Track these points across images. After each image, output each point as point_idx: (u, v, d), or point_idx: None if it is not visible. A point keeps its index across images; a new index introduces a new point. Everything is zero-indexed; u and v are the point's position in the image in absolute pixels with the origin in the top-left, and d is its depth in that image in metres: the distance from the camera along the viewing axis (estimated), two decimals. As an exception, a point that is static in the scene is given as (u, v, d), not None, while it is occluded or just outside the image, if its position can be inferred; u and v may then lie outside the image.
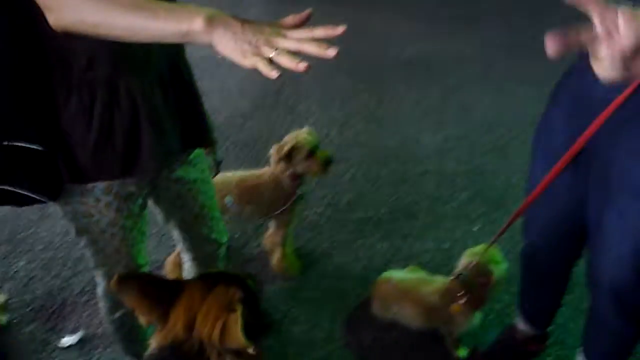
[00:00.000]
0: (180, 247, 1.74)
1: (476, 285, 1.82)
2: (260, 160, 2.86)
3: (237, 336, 0.98)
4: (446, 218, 2.78)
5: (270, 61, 0.85)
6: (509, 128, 3.50)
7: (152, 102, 1.28)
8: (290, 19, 0.93)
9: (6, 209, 2.73)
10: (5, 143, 1.16)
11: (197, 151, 1.54)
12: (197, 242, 1.68)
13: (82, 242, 1.44)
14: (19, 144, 1.17)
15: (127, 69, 1.23)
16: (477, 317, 1.91)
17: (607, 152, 1.36)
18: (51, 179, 1.26)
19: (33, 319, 2.24)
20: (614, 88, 1.21)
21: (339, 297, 2.33)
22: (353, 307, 2.26)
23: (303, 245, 2.61)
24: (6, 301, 2.28)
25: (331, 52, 0.82)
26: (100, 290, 1.61)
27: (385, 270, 2.16)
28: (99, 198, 1.33)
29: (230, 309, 1.02)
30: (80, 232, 1.40)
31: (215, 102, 3.77)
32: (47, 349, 2.13)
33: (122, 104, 1.24)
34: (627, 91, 1.21)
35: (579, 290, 2.24)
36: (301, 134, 2.20)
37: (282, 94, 4.05)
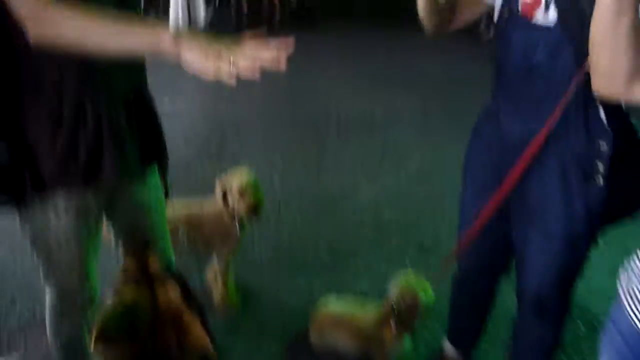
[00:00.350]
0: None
1: (405, 310, 1.95)
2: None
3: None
4: (381, 261, 2.93)
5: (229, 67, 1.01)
6: (443, 179, 3.75)
7: (115, 121, 1.39)
8: (248, 38, 1.09)
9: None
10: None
11: (153, 173, 1.64)
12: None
13: (35, 256, 1.50)
14: None
15: (93, 89, 1.34)
16: (407, 342, 2.03)
17: (522, 189, 1.57)
18: (15, 186, 1.34)
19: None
20: (527, 129, 1.46)
21: (278, 329, 2.41)
22: (292, 339, 2.34)
23: (244, 281, 2.69)
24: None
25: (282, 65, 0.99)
26: (48, 300, 1.64)
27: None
28: (56, 206, 1.40)
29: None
30: (36, 243, 1.46)
31: (161, 149, 3.86)
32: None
33: (87, 121, 1.35)
34: (541, 135, 1.43)
35: (499, 320, 2.44)
36: (236, 175, 2.32)
37: (226, 144, 4.19)
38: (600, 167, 1.44)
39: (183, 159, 3.93)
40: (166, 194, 1.76)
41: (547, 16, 1.38)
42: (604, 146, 1.43)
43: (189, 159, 3.95)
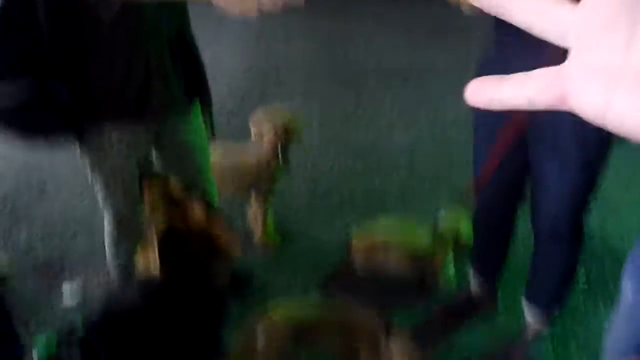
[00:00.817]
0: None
1: (453, 238, 2.07)
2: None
3: None
4: (414, 203, 3.05)
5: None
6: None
7: (161, 60, 1.55)
8: None
9: (7, 187, 2.96)
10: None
11: (198, 116, 1.80)
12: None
13: (96, 185, 1.69)
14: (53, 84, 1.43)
15: (143, 31, 1.50)
16: (452, 268, 2.17)
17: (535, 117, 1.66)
18: (75, 122, 1.52)
19: (37, 277, 2.45)
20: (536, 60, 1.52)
21: (314, 267, 2.58)
22: (329, 272, 2.51)
23: (282, 224, 2.86)
24: (10, 262, 2.48)
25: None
26: (107, 226, 1.84)
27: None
28: (112, 141, 1.58)
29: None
30: (95, 172, 1.65)
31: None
32: (50, 307, 2.34)
33: (137, 61, 1.51)
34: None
35: (520, 251, 2.54)
36: (270, 113, 2.50)
37: (266, 95, 4.32)
38: None
39: (226, 108, 4.09)
40: (212, 135, 1.93)
41: None
42: None
43: (231, 107, 4.11)
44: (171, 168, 1.83)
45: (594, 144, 1.63)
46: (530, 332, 2.09)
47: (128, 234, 1.80)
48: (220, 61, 4.81)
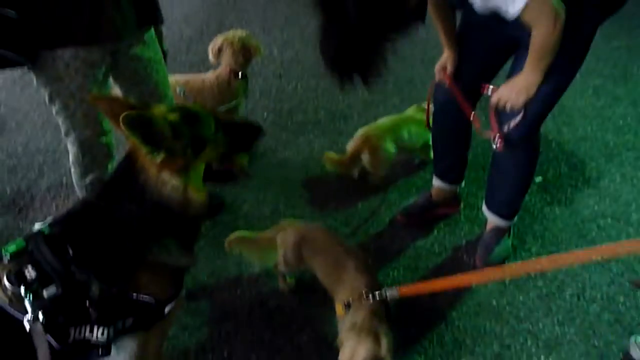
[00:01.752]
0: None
1: None
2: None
3: None
4: (378, 118, 3.10)
5: None
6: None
7: None
8: None
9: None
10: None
11: (151, 33, 1.79)
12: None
13: (54, 109, 1.69)
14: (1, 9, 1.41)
15: None
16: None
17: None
18: (27, 45, 1.50)
19: (5, 212, 2.46)
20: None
21: (282, 182, 2.64)
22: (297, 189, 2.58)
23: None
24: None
25: None
26: (71, 158, 1.85)
27: (322, 161, 2.48)
28: (68, 63, 1.57)
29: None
30: (52, 96, 1.65)
31: (162, 29, 3.96)
32: (21, 234, 2.37)
33: None
34: None
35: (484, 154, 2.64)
36: (228, 33, 2.48)
37: (226, 21, 4.25)
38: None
39: (184, 37, 4.02)
40: (164, 55, 1.92)
41: None
42: None
43: (189, 36, 4.04)
44: (129, 86, 1.83)
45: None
46: (490, 230, 2.19)
47: (95, 159, 1.82)
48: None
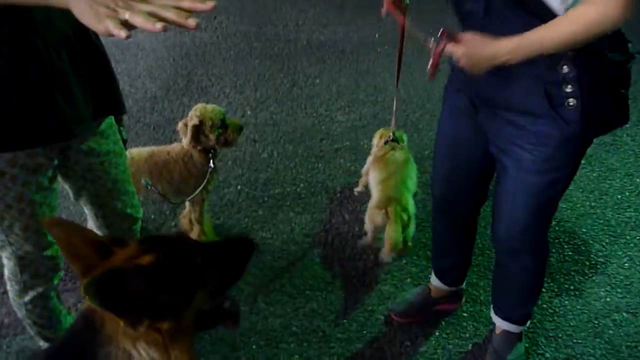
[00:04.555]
0: (92, 224, 1.67)
1: None
2: (172, 142, 2.80)
3: None
4: (364, 191, 2.85)
5: (126, 24, 0.78)
6: (419, 105, 3.62)
7: (59, 65, 1.22)
8: None
9: None
10: None
11: (109, 121, 1.48)
12: (111, 218, 1.61)
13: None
14: None
15: (29, 28, 1.17)
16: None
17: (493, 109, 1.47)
18: None
19: None
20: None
21: (259, 270, 2.34)
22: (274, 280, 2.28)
23: (222, 222, 2.59)
24: None
25: (191, 23, 0.77)
26: (7, 272, 1.52)
27: (304, 242, 2.19)
28: (3, 171, 1.25)
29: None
30: None
31: (124, 86, 3.65)
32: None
33: (28, 68, 1.18)
34: None
35: (488, 254, 2.40)
36: (206, 108, 2.15)
37: (193, 77, 3.97)
38: (570, 89, 1.32)
39: (148, 95, 3.72)
40: (124, 143, 1.61)
41: None
42: (566, 69, 1.31)
43: (154, 93, 3.74)
44: (82, 185, 1.51)
45: (556, 146, 1.41)
46: (500, 333, 1.93)
47: (37, 274, 1.48)
48: (141, 41, 4.40)
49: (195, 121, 2.09)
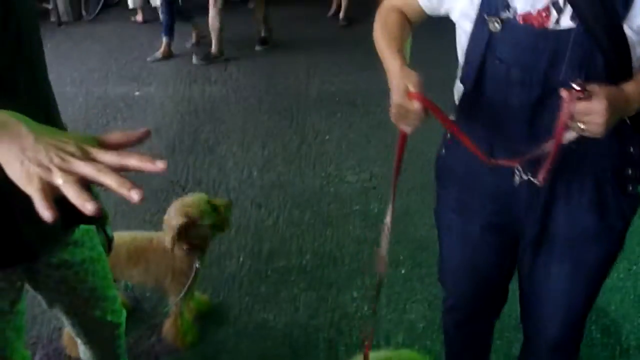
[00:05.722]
0: (69, 330, 1.53)
1: None
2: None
3: None
4: (372, 262, 2.68)
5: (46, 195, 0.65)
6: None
7: None
8: (115, 136, 0.72)
9: None
10: None
11: (85, 228, 1.35)
12: (90, 327, 1.48)
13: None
14: None
15: None
16: None
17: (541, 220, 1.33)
18: None
19: None
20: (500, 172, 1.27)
21: (259, 357, 2.17)
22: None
23: (221, 301, 2.44)
24: None
25: (134, 196, 0.63)
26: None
27: (309, 325, 2.02)
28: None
29: None
30: None
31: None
32: None
33: None
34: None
35: (507, 336, 2.21)
36: (186, 201, 1.98)
37: (200, 134, 3.88)
38: (632, 173, 1.26)
39: (153, 152, 3.62)
40: (109, 243, 1.47)
41: (560, 23, 1.10)
42: (634, 149, 1.24)
43: (160, 153, 3.64)
44: (55, 297, 1.37)
45: (616, 237, 1.33)
46: None
47: None
48: (147, 96, 4.34)
49: (179, 220, 1.90)
